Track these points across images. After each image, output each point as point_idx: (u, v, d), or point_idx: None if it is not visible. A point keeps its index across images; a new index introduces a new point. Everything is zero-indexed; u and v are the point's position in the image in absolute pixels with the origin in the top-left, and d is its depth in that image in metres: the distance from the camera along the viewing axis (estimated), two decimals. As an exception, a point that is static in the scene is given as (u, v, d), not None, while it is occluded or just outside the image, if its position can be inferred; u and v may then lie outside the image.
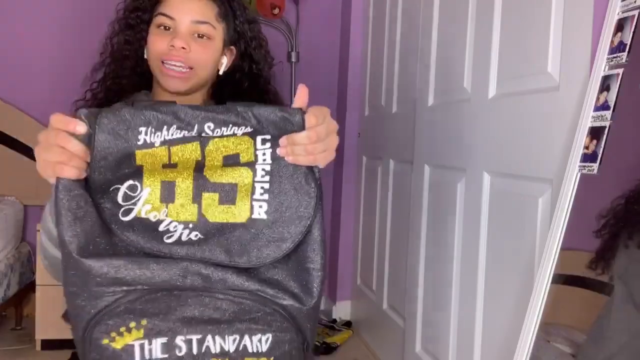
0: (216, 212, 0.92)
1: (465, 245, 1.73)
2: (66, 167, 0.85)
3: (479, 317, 1.63)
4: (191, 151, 0.92)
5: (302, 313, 0.94)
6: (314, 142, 0.90)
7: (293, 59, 3.04)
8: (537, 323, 1.22)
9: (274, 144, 0.93)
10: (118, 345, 0.89)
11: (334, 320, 2.95)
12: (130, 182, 0.90)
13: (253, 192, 0.92)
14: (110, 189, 0.90)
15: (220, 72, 1.23)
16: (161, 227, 0.91)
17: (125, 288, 0.88)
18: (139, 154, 0.91)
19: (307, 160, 0.91)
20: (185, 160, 0.92)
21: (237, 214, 0.92)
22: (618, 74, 1.14)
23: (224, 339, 0.91)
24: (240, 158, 0.93)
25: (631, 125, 1.18)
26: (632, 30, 1.13)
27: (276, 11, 2.84)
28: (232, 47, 1.24)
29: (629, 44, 1.13)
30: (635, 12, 1.13)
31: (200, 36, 1.16)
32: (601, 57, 1.19)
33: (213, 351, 0.91)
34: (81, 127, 0.87)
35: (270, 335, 0.92)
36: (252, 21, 1.28)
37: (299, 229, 0.93)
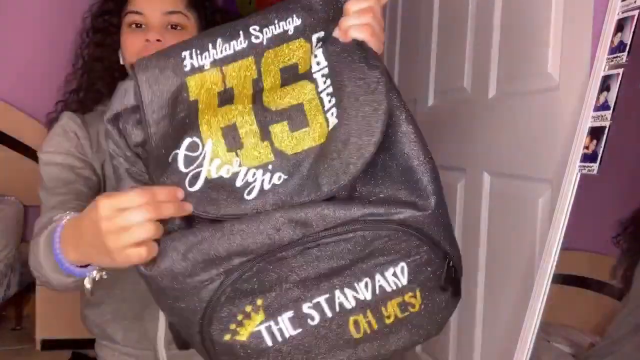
0: (293, 143, 0.79)
1: (465, 246, 1.73)
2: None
3: (479, 317, 1.63)
4: (246, 68, 0.82)
5: (427, 220, 0.80)
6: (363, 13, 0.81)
7: (293, 59, 3.04)
8: (537, 323, 1.22)
9: (326, 38, 0.82)
10: (243, 336, 0.77)
11: (334, 320, 2.94)
12: (188, 139, 0.78)
13: (323, 105, 0.80)
14: (170, 159, 0.78)
15: None
16: (238, 182, 0.78)
17: (221, 269, 0.75)
18: (190, 81, 0.81)
19: (361, 31, 0.80)
20: (242, 83, 0.82)
21: (315, 135, 0.79)
22: (618, 74, 1.14)
23: (354, 288, 0.78)
24: (299, 68, 0.82)
25: (631, 125, 1.18)
26: (632, 30, 1.13)
27: (276, 11, 2.84)
28: None
29: (629, 44, 1.13)
30: (635, 12, 1.13)
31: (174, 27, 1.12)
32: (601, 57, 1.19)
33: (349, 307, 0.78)
34: (180, 193, 0.76)
35: (403, 264, 0.79)
36: (222, 10, 1.25)
37: (379, 124, 0.78)
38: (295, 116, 0.80)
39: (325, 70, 0.81)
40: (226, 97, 0.81)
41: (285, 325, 0.77)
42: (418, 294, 0.82)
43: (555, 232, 1.22)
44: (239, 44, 0.83)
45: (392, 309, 0.80)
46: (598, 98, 1.18)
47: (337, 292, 0.77)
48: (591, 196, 1.21)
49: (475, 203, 1.67)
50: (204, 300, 0.76)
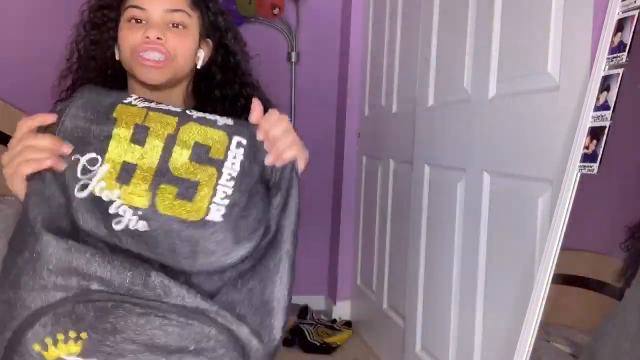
0: (169, 205, 0.87)
1: (465, 245, 1.73)
2: (39, 162, 0.86)
3: (479, 317, 1.63)
4: (167, 123, 0.91)
5: (258, 354, 0.87)
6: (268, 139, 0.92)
7: (293, 59, 3.04)
8: (537, 323, 1.22)
9: (247, 153, 0.91)
10: (50, 356, 0.80)
11: (334, 320, 2.95)
12: (93, 154, 0.88)
13: (214, 195, 0.89)
14: (72, 158, 0.88)
15: (198, 66, 1.16)
16: (111, 209, 0.86)
17: (75, 284, 0.81)
18: (120, 107, 0.91)
19: (291, 149, 0.93)
20: (158, 129, 0.91)
21: (192, 211, 0.87)
22: (618, 74, 1.14)
23: None
24: (210, 152, 0.90)
25: (631, 125, 1.18)
26: (632, 30, 1.13)
27: (276, 11, 2.84)
28: (209, 40, 1.18)
29: (629, 44, 1.13)
30: (635, 12, 1.13)
31: (175, 25, 1.09)
32: (601, 57, 1.19)
33: None
34: (50, 117, 0.88)
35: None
36: (224, 12, 1.22)
37: (256, 236, 0.88)
38: (187, 188, 0.88)
39: (235, 174, 0.90)
40: (140, 134, 0.90)
41: None
42: None
43: (555, 232, 1.22)
44: (174, 107, 0.93)
45: None
46: (598, 98, 1.18)
47: None
48: (591, 196, 1.21)
49: (475, 203, 1.67)
50: (41, 303, 0.81)
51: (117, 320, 0.81)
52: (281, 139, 0.92)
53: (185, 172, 0.89)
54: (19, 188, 0.89)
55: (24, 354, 0.80)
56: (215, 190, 0.89)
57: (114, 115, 0.90)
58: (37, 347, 0.80)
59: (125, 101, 0.93)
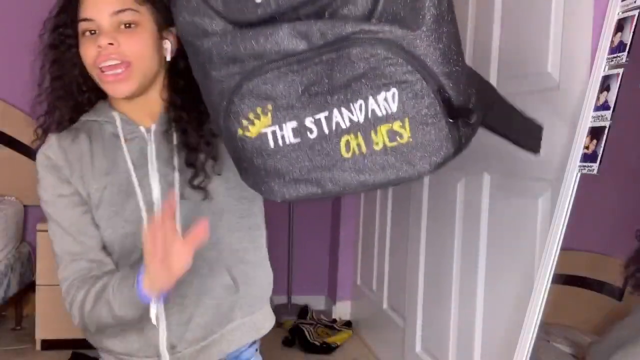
0: None
1: (465, 245, 1.73)
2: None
3: (479, 317, 1.63)
4: None
5: (417, 41, 0.79)
6: None
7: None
8: (537, 323, 1.22)
9: None
10: (252, 133, 0.86)
11: (334, 320, 2.95)
12: None
13: None
14: None
15: (168, 58, 1.09)
16: None
17: (237, 69, 0.85)
18: None
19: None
20: None
21: None
22: (618, 74, 1.14)
23: (350, 109, 0.82)
24: None
25: (631, 125, 1.18)
26: (632, 30, 1.13)
27: None
28: (172, 29, 1.09)
29: (629, 44, 1.13)
30: (635, 12, 1.13)
31: (127, 26, 1.04)
32: (601, 57, 1.19)
33: (343, 126, 0.83)
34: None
35: (395, 90, 0.80)
36: None
37: None
38: None
39: None
40: None
41: (287, 133, 0.84)
42: (407, 124, 0.81)
43: (555, 232, 1.22)
44: None
45: (380, 136, 0.82)
46: (598, 98, 1.18)
47: (335, 111, 0.83)
48: (591, 196, 1.21)
49: (475, 203, 1.67)
50: (224, 95, 0.86)
51: (284, 79, 0.83)
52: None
53: None
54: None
55: (237, 141, 0.88)
56: None
57: None
58: (240, 132, 0.87)
59: None
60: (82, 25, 1.05)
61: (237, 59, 0.85)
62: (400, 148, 0.82)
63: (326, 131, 0.83)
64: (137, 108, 1.07)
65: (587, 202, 1.20)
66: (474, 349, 1.64)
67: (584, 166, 1.18)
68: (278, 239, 2.95)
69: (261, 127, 0.85)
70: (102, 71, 1.03)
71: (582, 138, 1.20)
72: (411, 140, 0.81)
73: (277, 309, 3.03)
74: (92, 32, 1.04)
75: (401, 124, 0.81)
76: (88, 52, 1.04)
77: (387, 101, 0.80)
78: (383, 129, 0.81)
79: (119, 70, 1.02)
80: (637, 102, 1.17)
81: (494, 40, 1.61)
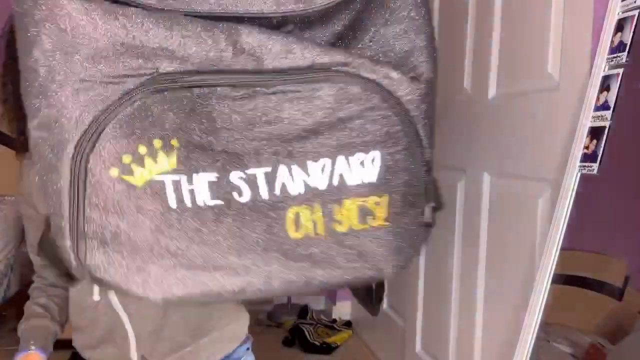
0: None
1: (465, 245, 1.73)
2: None
3: (479, 317, 1.63)
4: None
5: (417, 101, 0.61)
6: None
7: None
8: (537, 323, 1.22)
9: None
10: (140, 180, 0.54)
11: (334, 320, 2.95)
12: None
13: None
14: None
15: None
16: None
17: (133, 68, 0.53)
18: None
19: None
20: None
21: None
22: (618, 74, 1.14)
23: (305, 168, 0.58)
24: None
25: (631, 125, 1.18)
26: (632, 30, 1.13)
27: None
28: None
29: (629, 44, 1.13)
30: (635, 12, 1.13)
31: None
32: (601, 57, 1.19)
33: (293, 192, 0.58)
34: None
35: (376, 153, 0.59)
36: None
37: None
38: None
39: None
40: None
41: (201, 188, 0.55)
42: (385, 203, 0.61)
43: (555, 232, 1.22)
44: None
45: (347, 213, 0.60)
46: (598, 98, 1.18)
47: (282, 168, 0.57)
48: (591, 196, 1.21)
49: (475, 203, 1.67)
50: (97, 107, 0.53)
51: (211, 105, 0.55)
52: None
53: None
54: None
55: (96, 186, 0.54)
56: None
57: None
58: (114, 173, 0.53)
59: None
60: None
61: (143, 49, 0.54)
62: (369, 234, 0.61)
63: (264, 195, 0.57)
64: None
65: (587, 202, 1.20)
66: (474, 349, 1.64)
67: (584, 166, 1.18)
68: (278, 239, 2.93)
69: (156, 171, 0.54)
70: None
71: (582, 138, 1.19)
72: (386, 223, 0.62)
73: (277, 309, 3.05)
74: None
75: (378, 199, 0.60)
76: None
77: (363, 165, 0.59)
78: (353, 203, 0.60)
79: None
80: (637, 102, 1.16)
81: (494, 40, 1.61)
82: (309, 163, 0.58)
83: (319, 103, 0.57)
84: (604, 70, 1.18)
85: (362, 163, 0.59)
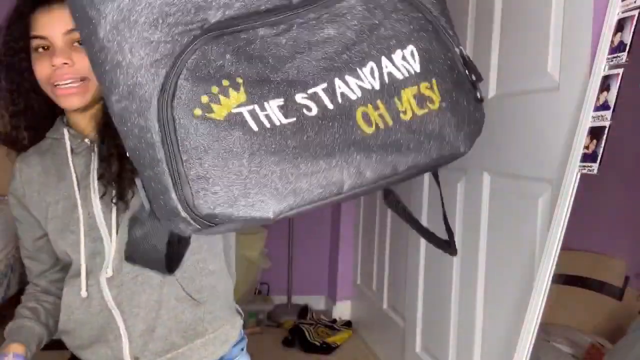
0: None
1: (465, 245, 1.73)
2: None
3: (479, 317, 1.63)
4: None
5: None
6: None
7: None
8: (537, 323, 1.22)
9: None
10: (219, 115, 0.61)
11: (334, 320, 2.95)
12: None
13: None
14: None
15: None
16: None
17: (190, 19, 0.63)
18: None
19: None
20: None
21: None
22: (618, 74, 1.14)
23: (357, 75, 0.66)
24: None
25: (631, 125, 1.18)
26: (632, 30, 1.13)
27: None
28: None
29: (629, 44, 1.13)
30: (635, 12, 1.13)
31: (81, 43, 1.00)
32: (601, 57, 1.19)
33: (354, 97, 0.65)
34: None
35: (412, 47, 0.68)
36: None
37: None
38: None
39: None
40: None
41: (274, 111, 0.62)
42: (435, 86, 0.69)
43: (555, 232, 1.22)
44: None
45: (406, 102, 0.67)
46: (598, 98, 1.18)
47: (337, 81, 0.65)
48: (591, 196, 1.21)
49: (475, 203, 1.67)
50: (173, 52, 0.62)
51: (257, 43, 0.64)
52: None
53: None
54: None
55: (187, 127, 0.60)
56: None
57: None
58: (197, 112, 0.60)
59: None
60: (35, 42, 1.03)
61: (190, 5, 0.64)
62: (433, 116, 0.69)
63: (329, 106, 0.64)
64: (85, 120, 1.05)
65: (587, 202, 1.20)
66: (474, 349, 1.64)
67: (584, 166, 1.18)
68: (278, 239, 2.95)
69: (231, 105, 0.62)
70: (56, 86, 1.01)
71: (582, 138, 1.20)
72: (442, 104, 0.70)
73: (277, 309, 3.05)
74: (45, 47, 1.02)
75: (428, 84, 0.69)
76: (42, 70, 1.02)
77: (405, 60, 0.68)
78: (408, 92, 0.68)
79: (75, 84, 1.01)
80: (637, 102, 1.17)
81: (494, 41, 1.61)
82: (358, 70, 0.66)
83: (350, 17, 0.67)
84: (604, 70, 1.18)
85: (403, 58, 0.68)
